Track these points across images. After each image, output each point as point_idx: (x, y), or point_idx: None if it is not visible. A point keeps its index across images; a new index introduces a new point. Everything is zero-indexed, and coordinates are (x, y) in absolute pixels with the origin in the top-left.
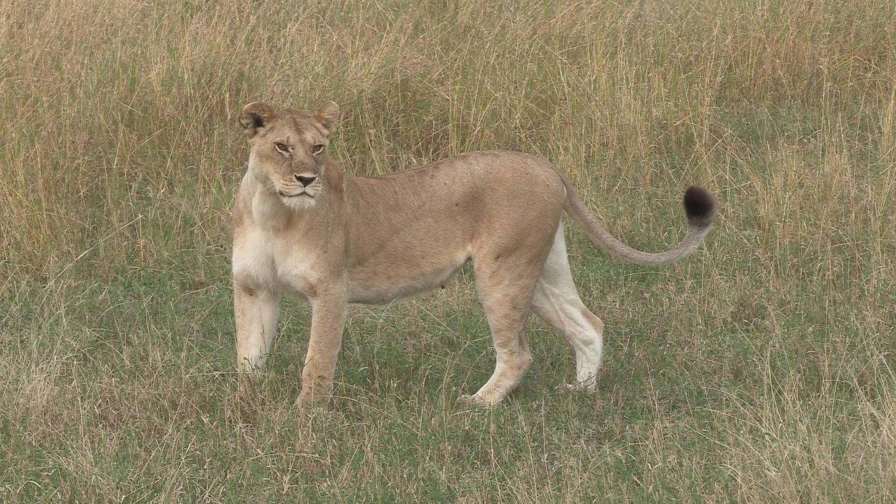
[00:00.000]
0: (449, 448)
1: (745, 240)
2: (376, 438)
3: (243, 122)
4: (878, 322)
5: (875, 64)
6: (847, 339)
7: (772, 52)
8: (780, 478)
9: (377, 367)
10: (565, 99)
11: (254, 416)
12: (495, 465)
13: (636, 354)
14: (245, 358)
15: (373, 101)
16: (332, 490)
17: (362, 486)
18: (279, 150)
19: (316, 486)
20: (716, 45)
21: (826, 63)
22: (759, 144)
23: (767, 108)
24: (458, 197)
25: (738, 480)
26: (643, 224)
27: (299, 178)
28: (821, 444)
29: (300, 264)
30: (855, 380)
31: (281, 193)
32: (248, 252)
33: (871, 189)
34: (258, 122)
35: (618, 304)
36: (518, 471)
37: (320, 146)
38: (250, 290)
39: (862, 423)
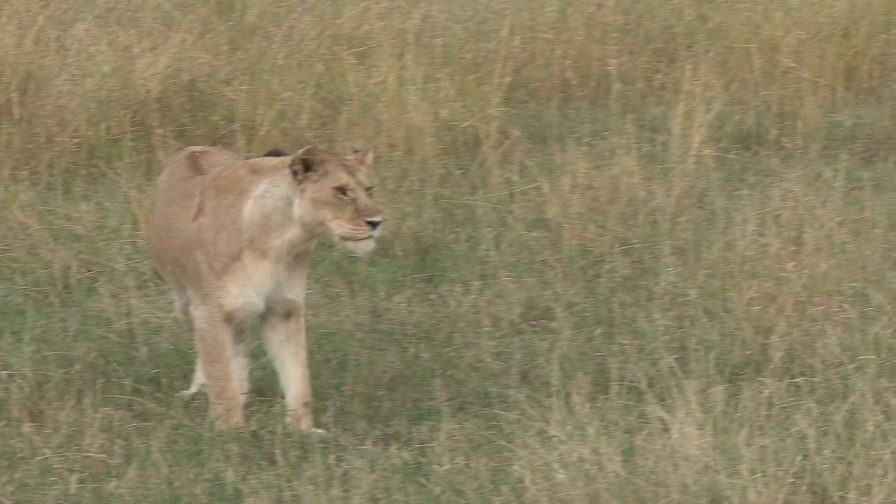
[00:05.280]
0: (236, 448)
1: (532, 241)
2: (163, 439)
3: (295, 168)
4: (667, 324)
5: (665, 66)
6: (636, 341)
7: (560, 54)
8: (569, 480)
9: (163, 368)
10: (353, 99)
11: (41, 415)
12: (282, 465)
13: (423, 356)
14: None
15: (160, 100)
16: (119, 490)
17: (149, 486)
18: (339, 196)
19: (103, 486)
20: (504, 46)
21: (615, 65)
22: (547, 146)
23: (556, 109)
24: None
25: (527, 482)
26: (430, 225)
27: (369, 223)
28: (610, 446)
29: (295, 289)
30: (644, 382)
31: (343, 238)
32: (253, 287)
33: (660, 191)
34: (308, 167)
35: (405, 305)
36: (305, 472)
37: (371, 187)
38: (233, 322)
39: (651, 426)
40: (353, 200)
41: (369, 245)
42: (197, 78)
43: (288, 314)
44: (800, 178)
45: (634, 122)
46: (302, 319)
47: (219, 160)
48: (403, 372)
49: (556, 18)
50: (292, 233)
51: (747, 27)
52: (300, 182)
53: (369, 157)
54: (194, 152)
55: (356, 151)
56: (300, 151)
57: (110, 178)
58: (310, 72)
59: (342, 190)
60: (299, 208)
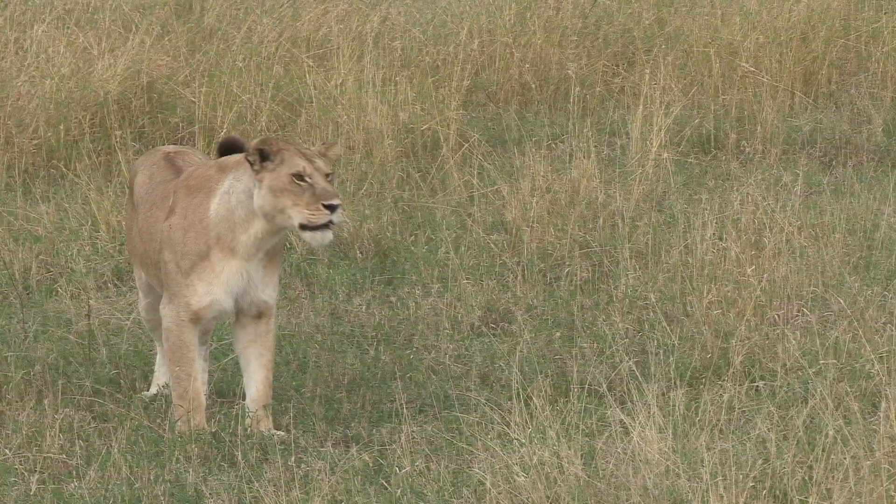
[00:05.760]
0: (196, 450)
1: (492, 244)
2: (124, 440)
3: (250, 158)
4: (627, 328)
5: (623, 69)
6: (596, 344)
7: (519, 57)
8: (530, 483)
9: (123, 369)
10: (312, 102)
11: (1, 416)
12: (243, 467)
13: (383, 358)
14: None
15: (119, 102)
16: (79, 491)
17: (110, 487)
18: (296, 182)
19: (64, 486)
20: (463, 49)
21: (574, 68)
22: (506, 149)
23: (515, 112)
24: None
25: (488, 485)
26: (390, 228)
27: (327, 206)
28: (570, 449)
29: (268, 288)
30: (604, 386)
31: (302, 226)
32: (221, 285)
33: (620, 195)
34: (264, 157)
35: (364, 307)
36: (266, 473)
37: (331, 173)
38: (200, 322)
39: (612, 430)
40: (311, 186)
41: (327, 236)
42: (156, 80)
43: (259, 315)
44: (759, 183)
45: (593, 125)
46: (273, 322)
47: (194, 160)
48: (363, 374)
49: (514, 22)
50: (257, 226)
51: (706, 31)
52: (257, 172)
53: (335, 150)
54: (169, 153)
55: (322, 144)
56: (254, 141)
57: (70, 179)
58: (269, 74)
59: (299, 176)
60: (259, 198)
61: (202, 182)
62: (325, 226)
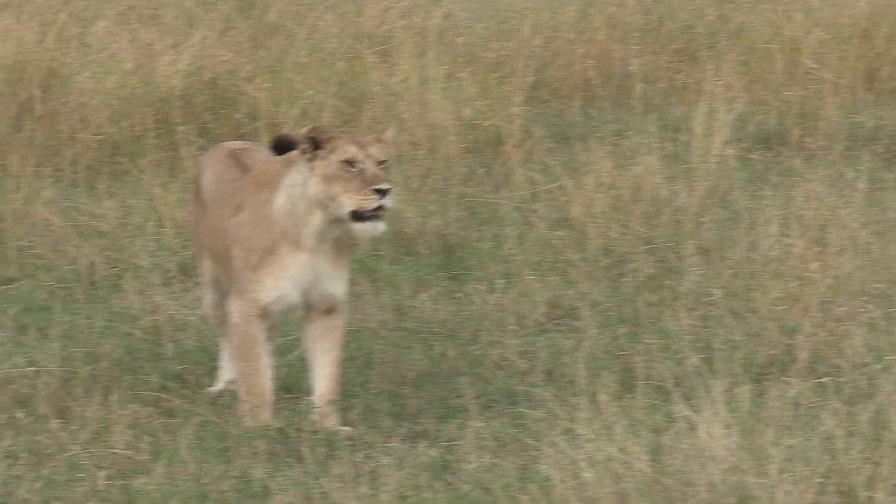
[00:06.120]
0: (263, 445)
1: (556, 240)
2: (190, 435)
3: (301, 147)
4: (692, 324)
5: (686, 66)
6: (661, 340)
7: (582, 53)
8: (597, 479)
9: (189, 365)
10: (375, 98)
11: (68, 412)
12: (310, 463)
13: (448, 354)
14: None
15: (182, 98)
16: (147, 487)
17: (177, 482)
18: (347, 168)
19: (131, 482)
20: (526, 45)
21: (637, 64)
22: (569, 145)
23: (578, 108)
24: None
25: (554, 481)
26: (454, 223)
27: (376, 191)
28: (636, 445)
29: (336, 283)
30: (670, 381)
31: (353, 216)
32: (287, 279)
33: (684, 191)
34: (316, 146)
35: (429, 303)
36: (332, 469)
37: (385, 161)
38: (268, 317)
39: (678, 426)
40: (361, 172)
41: (378, 227)
42: (219, 75)
43: (329, 310)
44: (822, 179)
45: (657, 121)
46: (343, 317)
47: (260, 156)
48: (429, 370)
49: (577, 18)
50: (317, 218)
51: (768, 28)
52: (310, 161)
53: (388, 134)
54: (235, 150)
55: (376, 132)
56: (304, 130)
57: (134, 175)
58: (332, 70)
59: (350, 163)
60: (312, 186)
61: (269, 177)
62: (377, 216)
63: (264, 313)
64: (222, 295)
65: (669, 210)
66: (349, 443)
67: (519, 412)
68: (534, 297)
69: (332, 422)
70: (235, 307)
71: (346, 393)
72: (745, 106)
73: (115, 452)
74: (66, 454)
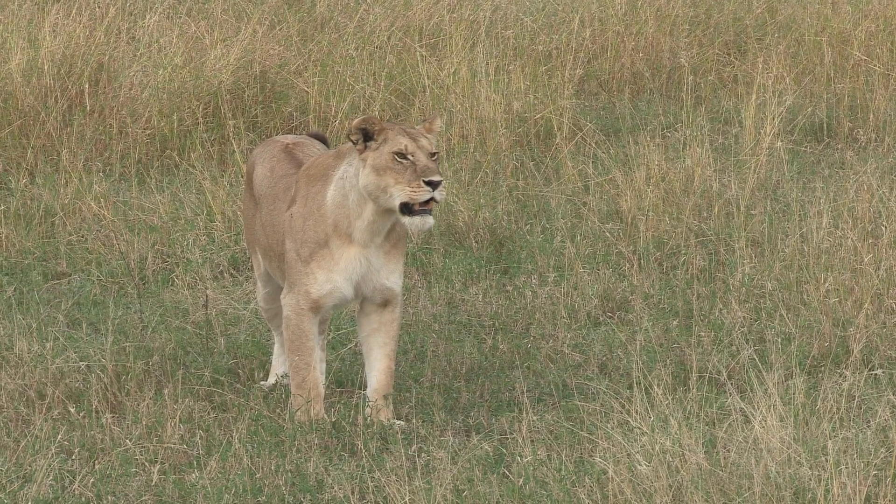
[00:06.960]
0: (316, 439)
1: (607, 233)
2: (243, 430)
3: (353, 138)
4: (745, 317)
5: (735, 58)
6: (713, 333)
7: (631, 46)
8: (652, 471)
9: (241, 359)
10: (425, 91)
11: (121, 407)
12: (363, 456)
13: (501, 347)
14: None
15: (232, 91)
16: (200, 481)
17: (231, 477)
18: (399, 160)
19: (185, 476)
20: (575, 38)
21: (686, 57)
22: (619, 138)
23: (627, 101)
24: None
25: (610, 473)
26: (505, 217)
27: (428, 183)
28: (691, 438)
29: (392, 275)
30: (724, 374)
31: (404, 208)
32: (340, 272)
33: (734, 183)
34: (367, 137)
35: (480, 296)
36: (387, 462)
37: (436, 153)
38: (320, 311)
39: (732, 418)
40: (413, 163)
41: (427, 221)
42: (268, 69)
43: (384, 303)
44: (873, 171)
45: (706, 114)
46: (398, 310)
47: (313, 150)
48: (481, 363)
49: (626, 10)
50: (368, 210)
51: (817, 20)
52: (361, 152)
53: (436, 124)
54: (288, 144)
55: (424, 121)
56: (356, 120)
57: (184, 168)
58: (381, 63)
59: (401, 154)
60: (363, 178)
61: (321, 170)
62: (426, 210)
63: (316, 307)
64: (275, 289)
65: (720, 203)
66: (403, 436)
67: (573, 405)
68: (585, 290)
69: (386, 415)
70: (288, 301)
71: (399, 386)
72: (795, 98)
73: (168, 447)
74: (119, 449)
